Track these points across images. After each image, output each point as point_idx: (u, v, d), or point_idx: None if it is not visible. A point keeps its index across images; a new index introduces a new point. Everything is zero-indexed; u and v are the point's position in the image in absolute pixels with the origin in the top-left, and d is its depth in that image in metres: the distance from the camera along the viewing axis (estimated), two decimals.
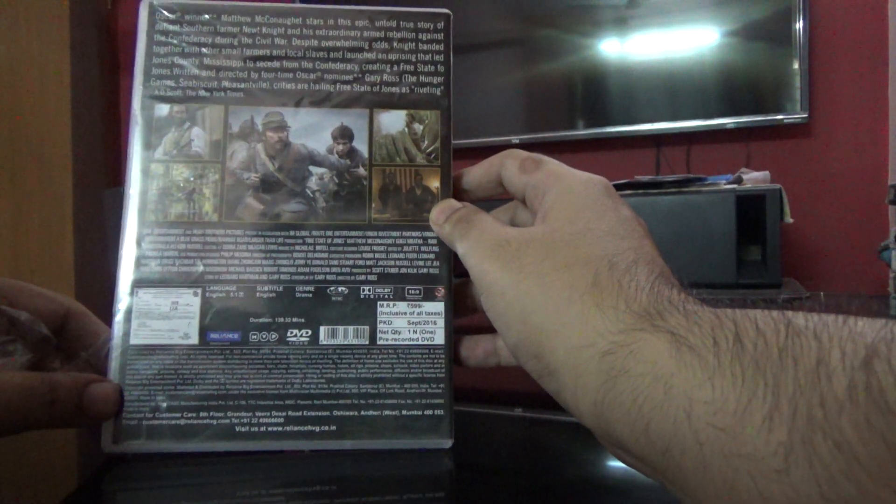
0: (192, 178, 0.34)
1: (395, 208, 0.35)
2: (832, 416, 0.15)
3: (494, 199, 0.35)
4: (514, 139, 1.58)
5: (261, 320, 0.33)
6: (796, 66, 1.41)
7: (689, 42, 1.51)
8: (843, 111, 1.46)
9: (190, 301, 0.33)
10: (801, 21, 1.40)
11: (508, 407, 0.43)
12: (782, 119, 1.43)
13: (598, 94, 1.62)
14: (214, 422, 0.32)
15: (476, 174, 0.34)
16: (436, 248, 0.35)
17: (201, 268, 0.34)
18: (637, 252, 0.25)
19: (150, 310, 0.33)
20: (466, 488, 0.32)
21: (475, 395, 0.49)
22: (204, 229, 0.34)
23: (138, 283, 0.33)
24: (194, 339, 0.33)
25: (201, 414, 0.32)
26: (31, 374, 0.28)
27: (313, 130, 0.35)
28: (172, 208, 0.34)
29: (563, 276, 0.24)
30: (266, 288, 0.34)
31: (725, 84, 1.50)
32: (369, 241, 0.35)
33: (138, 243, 0.34)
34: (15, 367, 0.30)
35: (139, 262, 0.34)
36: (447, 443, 0.34)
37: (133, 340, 0.33)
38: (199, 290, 0.33)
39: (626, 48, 1.55)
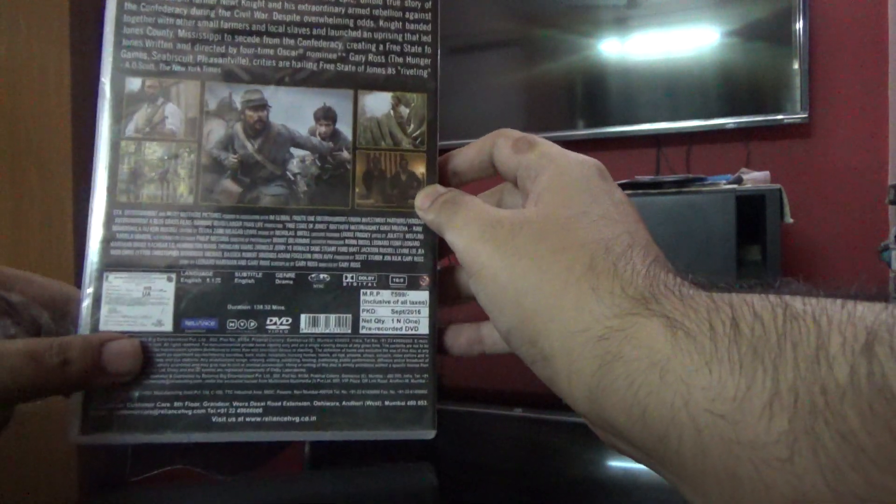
0: (165, 158, 0.33)
1: (379, 194, 0.34)
2: (834, 404, 0.15)
3: (483, 180, 0.35)
4: None
5: (239, 307, 0.32)
6: (796, 66, 1.41)
7: (689, 42, 1.51)
8: (843, 111, 1.46)
9: (164, 287, 0.32)
10: (801, 21, 1.40)
11: (508, 407, 0.43)
12: (782, 119, 1.42)
13: (598, 93, 1.62)
14: (190, 412, 0.31)
15: (466, 155, 0.33)
16: (420, 236, 0.34)
17: (176, 252, 0.32)
18: (632, 236, 0.25)
19: (121, 295, 0.32)
20: (467, 488, 0.32)
21: (475, 395, 0.49)
22: (178, 212, 0.33)
23: (108, 267, 0.32)
24: (168, 327, 0.32)
25: (175, 404, 0.31)
26: (36, 338, 0.28)
27: (295, 111, 0.34)
28: (145, 189, 0.33)
29: (560, 259, 0.24)
30: (244, 274, 0.33)
31: (725, 84, 1.50)
32: (352, 227, 0.34)
33: (107, 225, 0.32)
34: None
35: (108, 245, 0.32)
36: (430, 434, 0.33)
37: (103, 327, 0.31)
38: (174, 276, 0.32)
39: (626, 48, 1.55)
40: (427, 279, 0.34)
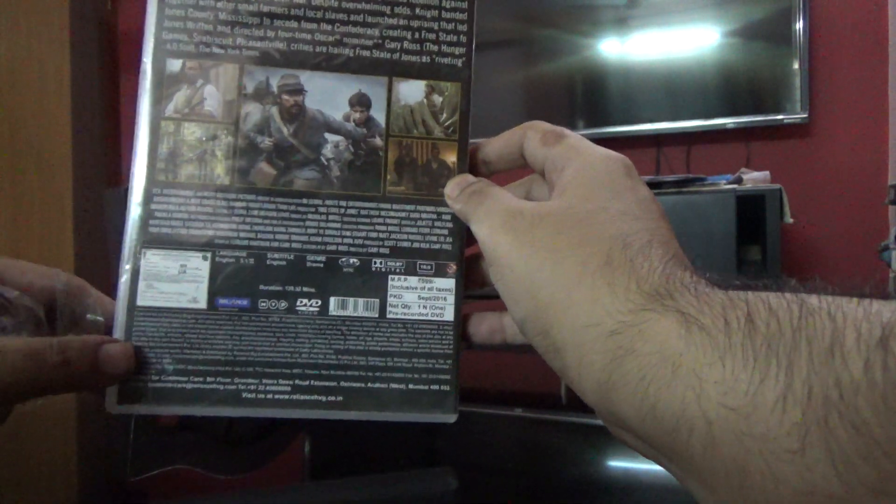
0: (203, 139, 0.33)
1: (410, 181, 0.34)
2: (848, 396, 0.15)
3: (514, 171, 0.35)
4: None
5: (271, 288, 0.33)
6: (796, 66, 1.41)
7: (689, 42, 1.51)
8: (843, 111, 1.46)
9: (199, 265, 0.33)
10: (801, 21, 1.40)
11: (508, 407, 0.43)
12: (782, 119, 1.42)
13: (598, 93, 1.62)
14: (221, 387, 0.32)
15: (496, 145, 0.34)
16: (449, 224, 0.34)
17: (211, 232, 0.33)
18: (652, 233, 0.25)
19: (158, 272, 0.32)
20: (467, 488, 0.32)
21: (475, 395, 0.49)
22: (215, 192, 0.33)
23: (146, 244, 0.33)
24: (202, 304, 0.32)
25: (208, 379, 0.32)
26: (37, 338, 0.28)
27: (330, 96, 0.34)
28: (183, 168, 0.33)
29: (576, 252, 0.24)
30: (277, 255, 0.33)
31: (725, 84, 1.50)
32: (383, 213, 0.34)
33: (145, 203, 0.33)
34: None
35: (147, 223, 0.33)
36: (451, 418, 0.33)
37: (140, 301, 0.32)
38: (209, 255, 0.33)
39: (626, 48, 1.55)
40: (454, 267, 0.35)
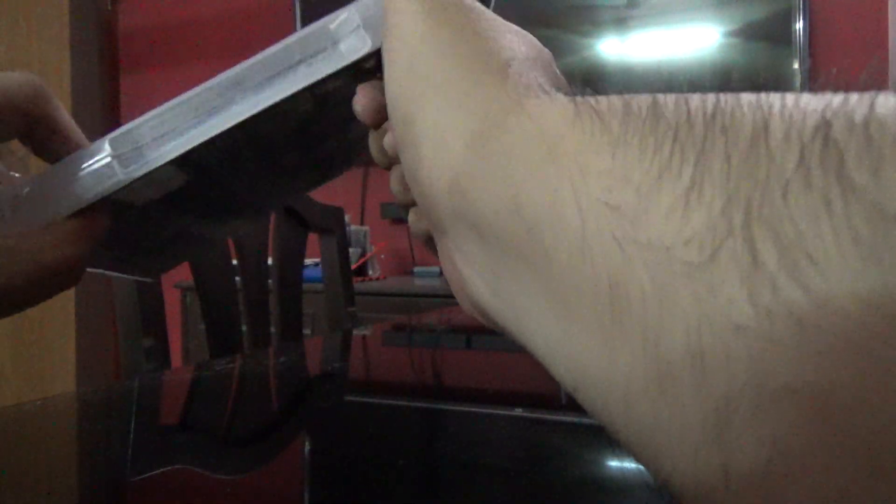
0: None
1: None
2: (775, 200, 0.11)
3: None
4: None
5: None
6: (796, 66, 1.41)
7: (689, 42, 1.51)
8: None
9: None
10: (801, 21, 1.40)
11: (508, 407, 0.43)
12: None
13: (597, 93, 1.61)
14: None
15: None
16: None
17: None
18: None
19: None
20: (466, 488, 0.32)
21: (475, 395, 0.49)
22: None
23: None
24: None
25: None
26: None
27: None
28: None
29: (482, 46, 0.20)
30: None
31: (725, 84, 1.50)
32: None
33: None
34: None
35: None
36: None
37: None
38: None
39: (626, 48, 1.55)
40: None
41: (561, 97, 0.17)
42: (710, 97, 0.14)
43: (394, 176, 0.27)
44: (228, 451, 0.33)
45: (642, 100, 0.15)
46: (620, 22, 1.55)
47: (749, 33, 1.45)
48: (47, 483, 0.33)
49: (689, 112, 0.14)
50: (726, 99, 0.14)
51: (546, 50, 0.24)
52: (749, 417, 0.11)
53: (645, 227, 0.13)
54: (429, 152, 0.19)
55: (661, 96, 0.15)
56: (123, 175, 0.27)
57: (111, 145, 0.28)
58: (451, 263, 0.21)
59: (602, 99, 0.16)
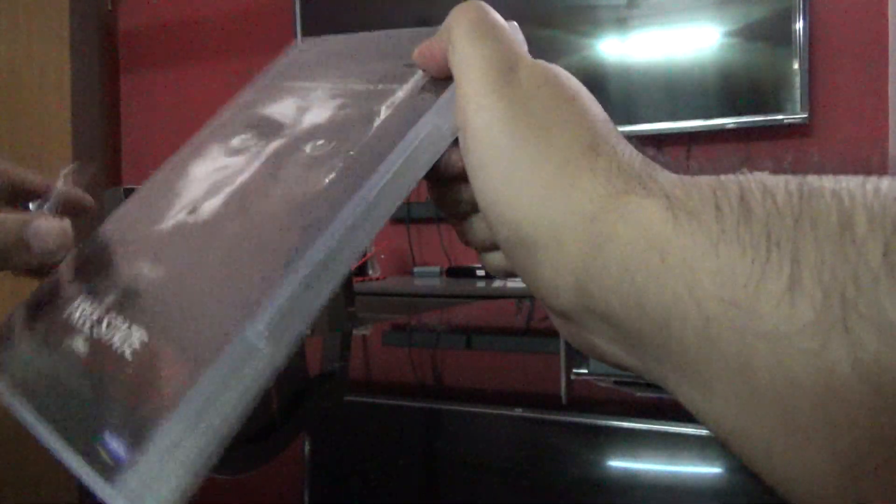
0: None
1: None
2: (867, 291, 0.13)
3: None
4: None
5: None
6: (796, 66, 1.41)
7: (689, 42, 1.51)
8: (843, 111, 1.46)
9: None
10: (801, 21, 1.40)
11: (508, 407, 0.43)
12: (782, 119, 1.42)
13: (598, 93, 1.60)
14: None
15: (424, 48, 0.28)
16: None
17: None
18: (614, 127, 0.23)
19: None
20: (467, 488, 0.32)
21: (475, 395, 0.49)
22: None
23: None
24: None
25: None
26: None
27: None
28: None
29: (566, 132, 0.21)
30: None
31: (725, 84, 1.50)
32: None
33: None
34: None
35: None
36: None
37: None
38: None
39: (626, 48, 1.55)
40: None
41: (654, 190, 0.19)
42: (794, 187, 0.16)
43: (469, 229, 0.28)
44: (228, 450, 0.33)
45: (731, 193, 0.16)
46: (620, 22, 1.55)
47: (749, 33, 1.45)
48: (47, 483, 0.33)
49: (777, 206, 0.15)
50: (809, 190, 0.15)
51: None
52: (876, 470, 0.13)
53: (759, 318, 0.14)
54: (546, 257, 0.21)
55: (745, 187, 0.17)
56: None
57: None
58: (583, 339, 0.22)
59: (693, 193, 0.18)
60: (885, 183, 0.14)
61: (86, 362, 0.23)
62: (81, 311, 0.25)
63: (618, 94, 1.57)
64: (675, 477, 0.30)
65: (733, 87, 1.49)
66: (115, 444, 0.19)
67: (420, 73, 0.27)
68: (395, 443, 0.37)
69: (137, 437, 0.19)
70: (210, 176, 0.28)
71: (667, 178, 0.20)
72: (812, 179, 0.16)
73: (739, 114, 1.46)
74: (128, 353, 0.22)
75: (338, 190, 0.24)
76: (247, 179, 0.27)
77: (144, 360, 0.21)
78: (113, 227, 0.30)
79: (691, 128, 1.49)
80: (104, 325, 0.23)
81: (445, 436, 0.40)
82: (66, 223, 0.29)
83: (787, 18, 1.41)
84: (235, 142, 0.29)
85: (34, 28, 1.93)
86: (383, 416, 0.42)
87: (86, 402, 0.22)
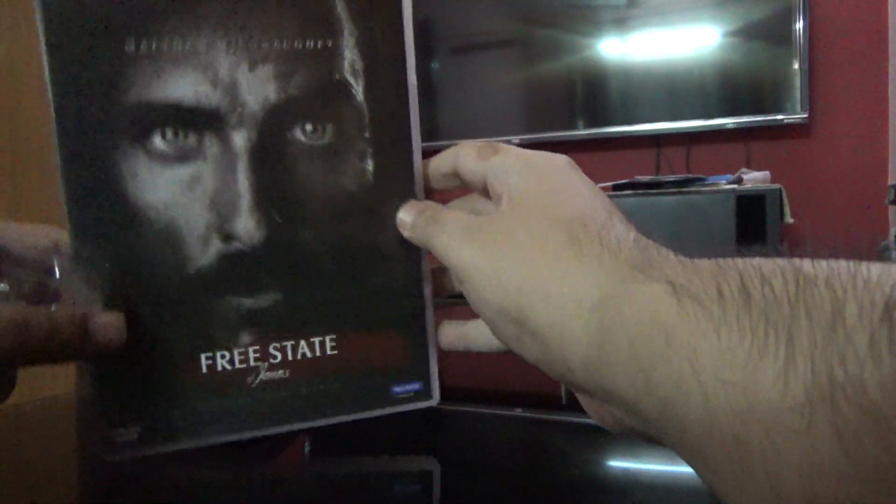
0: None
1: None
2: (854, 375, 0.14)
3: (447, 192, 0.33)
4: (514, 139, 1.58)
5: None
6: (796, 66, 1.41)
7: (689, 42, 1.51)
8: (843, 111, 1.46)
9: None
10: (801, 21, 1.40)
11: (508, 407, 0.43)
12: (782, 119, 1.42)
13: (598, 94, 1.62)
14: None
15: (430, 167, 0.33)
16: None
17: None
18: (609, 211, 0.25)
19: None
20: (467, 488, 0.32)
21: (475, 395, 0.49)
22: None
23: None
24: None
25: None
26: (25, 306, 0.28)
27: None
28: None
29: (539, 239, 0.24)
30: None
31: (725, 84, 1.50)
32: None
33: None
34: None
35: None
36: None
37: None
38: None
39: (626, 48, 1.55)
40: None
41: (654, 276, 0.20)
42: (790, 276, 0.17)
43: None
44: (228, 450, 0.33)
45: (731, 280, 0.18)
46: (620, 22, 1.55)
47: (749, 33, 1.45)
48: (47, 483, 0.33)
49: (774, 294, 0.17)
50: (805, 278, 0.17)
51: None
52: None
53: (756, 398, 0.16)
54: (555, 343, 0.22)
55: (745, 274, 0.18)
56: None
57: None
58: (597, 406, 0.24)
59: (695, 280, 0.19)
60: (874, 274, 0.16)
61: (291, 379, 0.29)
62: (226, 360, 0.29)
63: (618, 94, 1.57)
64: (676, 477, 0.31)
65: (733, 87, 1.49)
66: (408, 385, 0.31)
67: (348, 25, 0.29)
68: (394, 442, 0.37)
69: (415, 370, 0.32)
70: (182, 195, 0.28)
71: (665, 260, 0.21)
72: (807, 268, 0.17)
73: (739, 114, 1.46)
74: (329, 349, 0.30)
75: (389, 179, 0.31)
76: (250, 184, 0.28)
77: (350, 345, 0.30)
78: (134, 289, 0.29)
79: (691, 128, 1.49)
80: (271, 356, 0.29)
81: (445, 436, 0.40)
82: (121, 316, 0.29)
83: (787, 18, 1.41)
84: (158, 143, 0.27)
85: (34, 28, 1.92)
86: (383, 416, 0.42)
87: (339, 386, 0.30)
